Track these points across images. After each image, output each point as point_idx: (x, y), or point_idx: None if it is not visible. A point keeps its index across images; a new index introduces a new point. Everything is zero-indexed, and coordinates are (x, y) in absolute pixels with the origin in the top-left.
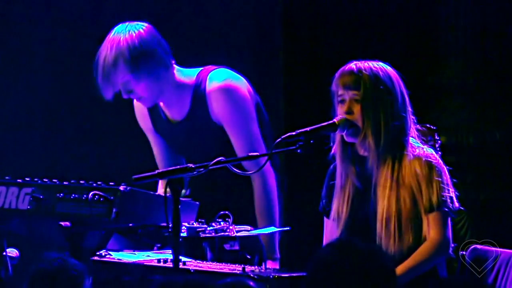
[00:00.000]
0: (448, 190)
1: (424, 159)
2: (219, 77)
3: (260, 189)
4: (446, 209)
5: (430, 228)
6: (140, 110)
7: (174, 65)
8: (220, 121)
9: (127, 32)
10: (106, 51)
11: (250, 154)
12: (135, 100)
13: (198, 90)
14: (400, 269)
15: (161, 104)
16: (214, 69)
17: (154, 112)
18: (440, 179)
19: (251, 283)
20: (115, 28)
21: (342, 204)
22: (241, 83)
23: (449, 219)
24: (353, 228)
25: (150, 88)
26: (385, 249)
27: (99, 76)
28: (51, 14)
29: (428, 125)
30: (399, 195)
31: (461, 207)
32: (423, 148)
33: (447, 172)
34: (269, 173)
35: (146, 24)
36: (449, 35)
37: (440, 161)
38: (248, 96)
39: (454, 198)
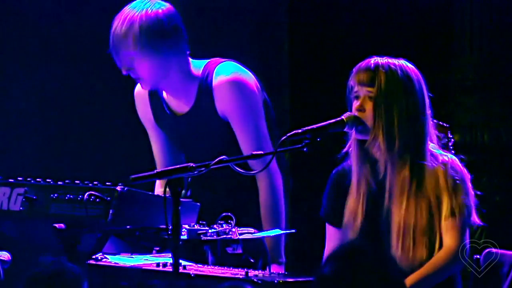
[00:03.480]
0: (470, 202)
1: (447, 170)
2: (226, 70)
3: (266, 190)
4: (467, 220)
5: (447, 235)
6: (141, 101)
7: (188, 56)
8: (226, 116)
9: (144, 8)
10: (118, 22)
11: (253, 152)
12: (136, 90)
13: (204, 83)
14: (413, 277)
15: (165, 95)
16: (222, 62)
17: (156, 103)
18: (463, 191)
19: None
20: (136, 1)
21: (357, 205)
22: (249, 78)
23: (467, 229)
24: (367, 232)
25: (152, 71)
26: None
27: (110, 45)
28: (51, 14)
29: (441, 123)
30: (417, 207)
31: (481, 223)
32: (447, 156)
33: (470, 183)
34: (276, 173)
35: (167, 5)
36: (464, 30)
37: (464, 170)
38: (257, 92)
39: (474, 213)
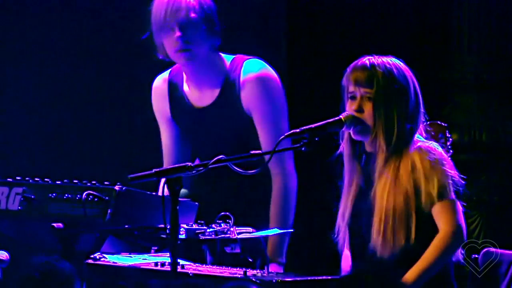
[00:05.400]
0: (453, 179)
1: (423, 151)
2: (255, 66)
3: (280, 190)
4: (453, 198)
5: (439, 220)
6: (159, 94)
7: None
8: (250, 112)
9: None
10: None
11: (252, 152)
12: (155, 84)
13: (231, 76)
14: (414, 271)
15: (186, 88)
16: (249, 58)
17: (175, 95)
18: (442, 169)
19: None
20: None
21: (346, 203)
22: (276, 76)
23: (458, 206)
24: (354, 228)
25: (203, 43)
26: (379, 249)
27: (163, 8)
28: (51, 13)
29: (439, 122)
30: (395, 193)
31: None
32: (425, 142)
33: (451, 163)
34: (291, 175)
35: None
36: (462, 30)
37: (442, 153)
38: (283, 90)
39: (459, 188)
